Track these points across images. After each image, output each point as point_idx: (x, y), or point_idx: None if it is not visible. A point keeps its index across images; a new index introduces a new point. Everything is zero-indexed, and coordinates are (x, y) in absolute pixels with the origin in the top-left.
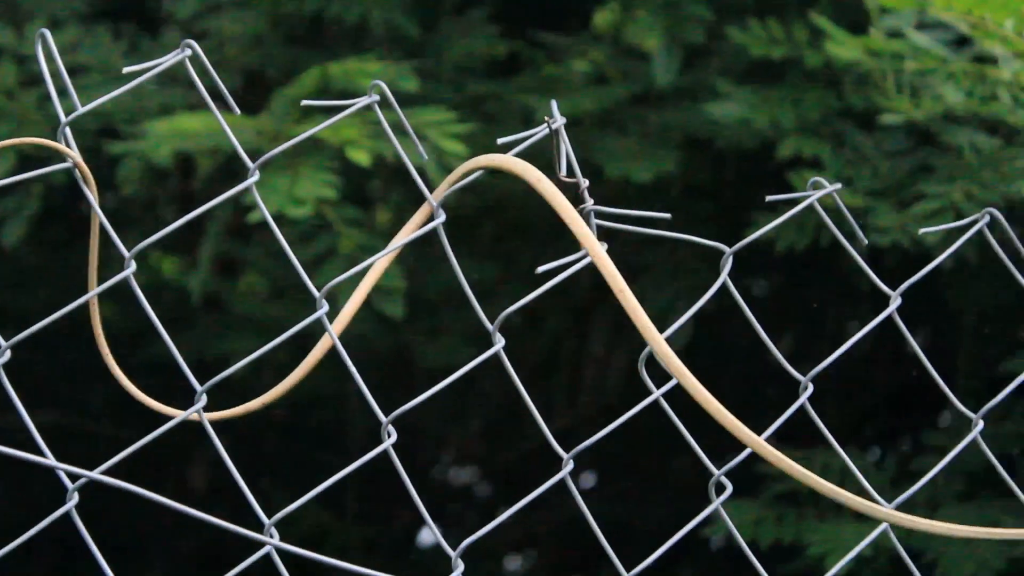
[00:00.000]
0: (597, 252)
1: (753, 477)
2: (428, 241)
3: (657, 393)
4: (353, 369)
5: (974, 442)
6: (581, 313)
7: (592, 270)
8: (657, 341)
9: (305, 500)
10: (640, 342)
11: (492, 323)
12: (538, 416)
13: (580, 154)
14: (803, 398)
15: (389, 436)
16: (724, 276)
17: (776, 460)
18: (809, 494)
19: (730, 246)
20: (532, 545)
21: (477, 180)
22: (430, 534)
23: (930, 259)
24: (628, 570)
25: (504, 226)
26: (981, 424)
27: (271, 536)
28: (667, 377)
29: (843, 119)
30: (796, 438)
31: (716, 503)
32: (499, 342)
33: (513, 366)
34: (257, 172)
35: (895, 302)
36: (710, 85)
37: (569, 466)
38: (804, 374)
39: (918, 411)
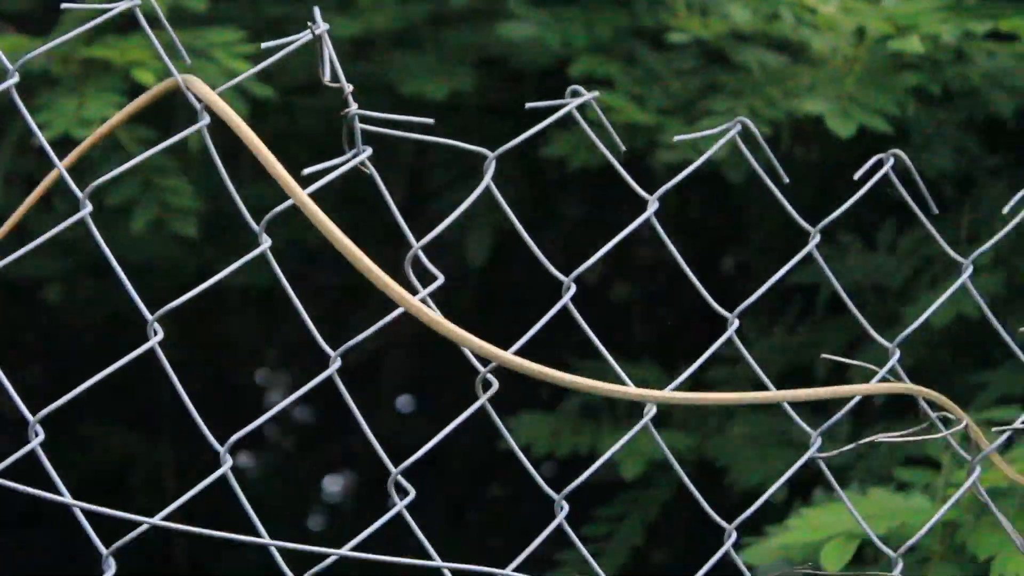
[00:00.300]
0: (302, 200)
1: (554, 390)
2: (229, 163)
3: (424, 292)
4: (114, 261)
5: (766, 350)
6: (396, 230)
7: (400, 190)
8: (376, 275)
9: (67, 399)
10: (454, 258)
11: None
12: (312, 326)
13: (375, 72)
14: (560, 305)
15: (156, 334)
16: (487, 180)
17: (521, 367)
18: (607, 405)
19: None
20: (350, 465)
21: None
22: (247, 458)
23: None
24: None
25: (312, 146)
26: (736, 323)
27: (35, 435)
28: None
29: (635, 38)
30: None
31: (483, 399)
32: (265, 242)
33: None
34: (16, 74)
35: (652, 205)
36: (505, 5)
37: (337, 363)
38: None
39: (723, 324)
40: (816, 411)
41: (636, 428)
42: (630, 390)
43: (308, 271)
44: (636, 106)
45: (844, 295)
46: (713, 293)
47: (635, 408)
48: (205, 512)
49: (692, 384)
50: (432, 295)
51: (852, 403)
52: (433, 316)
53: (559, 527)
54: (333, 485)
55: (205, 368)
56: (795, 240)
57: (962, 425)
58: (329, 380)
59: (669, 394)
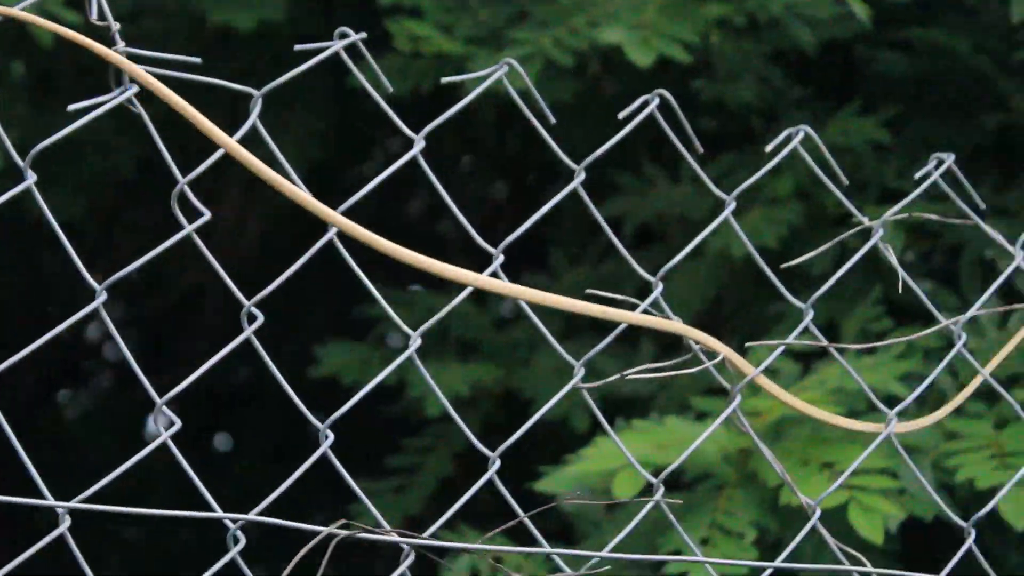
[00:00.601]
0: (146, 80)
1: (362, 321)
2: (34, 100)
3: (189, 228)
4: None
5: (575, 281)
6: (216, 173)
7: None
8: (222, 139)
9: None
10: (270, 195)
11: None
12: (74, 255)
13: (183, 2)
14: (324, 240)
15: None
16: (253, 118)
17: (355, 232)
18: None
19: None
20: (172, 402)
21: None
22: (65, 394)
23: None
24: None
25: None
26: (501, 257)
27: None
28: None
29: None
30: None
31: (248, 331)
32: (30, 177)
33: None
34: None
35: (419, 144)
36: None
37: (103, 296)
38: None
39: (538, 256)
40: (620, 342)
41: (403, 356)
42: (448, 268)
43: (126, 204)
44: (445, 35)
45: (612, 235)
46: (533, 227)
47: (443, 340)
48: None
49: (500, 320)
50: (213, 229)
51: (616, 332)
52: (260, 165)
53: (329, 458)
54: (158, 421)
55: (25, 304)
56: (607, 174)
57: (719, 358)
58: (155, 317)
59: (483, 278)
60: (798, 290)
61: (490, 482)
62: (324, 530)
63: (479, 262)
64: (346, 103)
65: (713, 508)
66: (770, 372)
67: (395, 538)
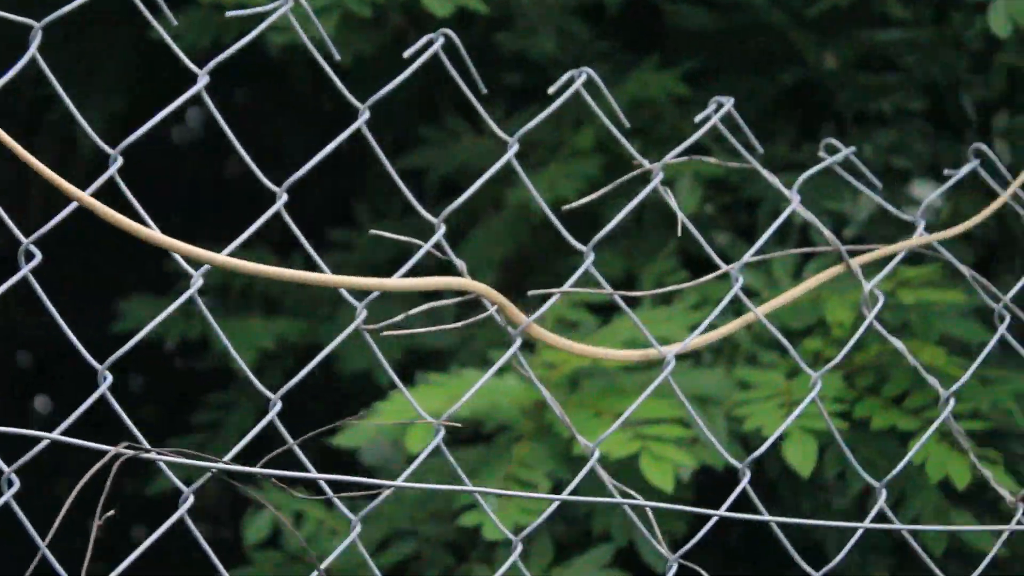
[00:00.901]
0: None
1: (164, 277)
2: None
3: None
4: None
5: (379, 240)
6: (28, 127)
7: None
8: (40, 168)
9: None
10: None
11: None
12: None
13: None
14: (103, 179)
15: None
16: (32, 50)
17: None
18: (218, 292)
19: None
20: None
21: None
22: None
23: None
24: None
25: None
26: (285, 197)
27: None
28: None
29: None
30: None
31: (25, 269)
32: None
33: None
34: None
35: (203, 79)
36: None
37: None
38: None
39: (343, 211)
40: (425, 297)
41: (188, 293)
42: (187, 247)
43: None
44: None
45: (397, 178)
46: (338, 184)
47: (247, 296)
48: None
49: (305, 265)
50: (29, 186)
51: (402, 272)
52: (108, 211)
53: (103, 398)
54: None
55: None
56: (409, 125)
57: (494, 308)
58: None
59: (221, 257)
60: (596, 245)
61: (298, 433)
62: (112, 449)
63: (305, 217)
64: (150, 58)
65: (509, 459)
66: (569, 325)
67: (176, 459)
